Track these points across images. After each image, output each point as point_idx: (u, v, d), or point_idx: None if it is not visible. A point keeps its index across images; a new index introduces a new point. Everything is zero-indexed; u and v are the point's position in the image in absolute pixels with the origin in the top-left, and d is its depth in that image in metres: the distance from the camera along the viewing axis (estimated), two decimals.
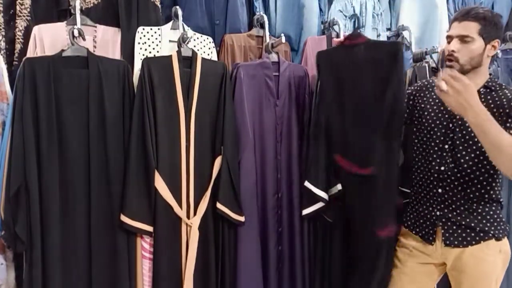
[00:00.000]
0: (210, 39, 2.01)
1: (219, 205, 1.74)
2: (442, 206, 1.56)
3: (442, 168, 1.55)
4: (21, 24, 1.77)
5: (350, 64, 1.78)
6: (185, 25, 1.92)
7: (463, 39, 1.48)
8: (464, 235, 1.53)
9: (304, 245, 1.94)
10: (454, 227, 1.54)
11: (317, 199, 1.83)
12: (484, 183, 1.52)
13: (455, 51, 1.48)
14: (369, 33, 2.42)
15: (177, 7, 1.90)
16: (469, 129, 1.49)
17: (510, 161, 1.33)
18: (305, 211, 1.88)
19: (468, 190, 1.53)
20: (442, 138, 1.57)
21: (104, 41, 1.84)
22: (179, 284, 1.70)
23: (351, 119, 1.78)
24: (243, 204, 1.81)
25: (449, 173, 1.54)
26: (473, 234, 1.52)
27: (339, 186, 1.83)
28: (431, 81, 1.71)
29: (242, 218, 1.80)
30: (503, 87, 1.53)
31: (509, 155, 1.32)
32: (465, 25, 1.48)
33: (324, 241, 1.93)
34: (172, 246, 1.71)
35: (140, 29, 1.85)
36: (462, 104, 1.32)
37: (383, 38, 2.47)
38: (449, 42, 1.53)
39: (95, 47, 1.81)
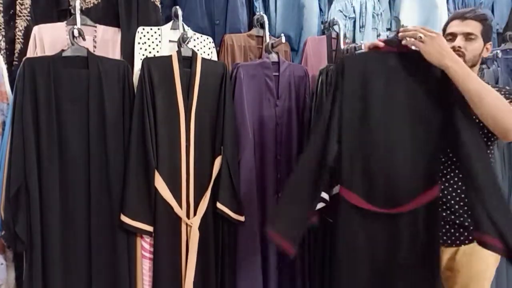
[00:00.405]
0: (210, 39, 2.01)
1: (219, 205, 1.74)
2: None
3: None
4: (21, 24, 1.77)
5: (385, 73, 1.45)
6: (185, 25, 1.92)
7: (468, 36, 1.50)
8: (457, 234, 1.53)
9: (304, 245, 1.94)
10: (448, 226, 1.54)
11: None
12: None
13: (461, 47, 1.49)
14: (369, 33, 2.42)
15: (177, 7, 1.90)
16: None
17: (491, 110, 1.33)
18: None
19: (463, 188, 1.53)
20: None
21: (104, 41, 1.84)
22: (179, 284, 1.70)
23: (384, 137, 1.45)
24: (243, 204, 1.81)
25: (444, 172, 1.54)
26: (466, 233, 1.52)
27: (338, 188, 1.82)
28: None
29: (242, 218, 1.80)
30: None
31: (489, 104, 1.32)
32: (468, 24, 1.50)
33: (324, 241, 1.93)
34: (172, 246, 1.71)
35: (140, 29, 1.85)
36: (440, 51, 1.33)
37: (383, 38, 2.47)
38: (450, 40, 1.53)
39: (95, 47, 1.81)
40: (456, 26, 1.53)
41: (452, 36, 1.53)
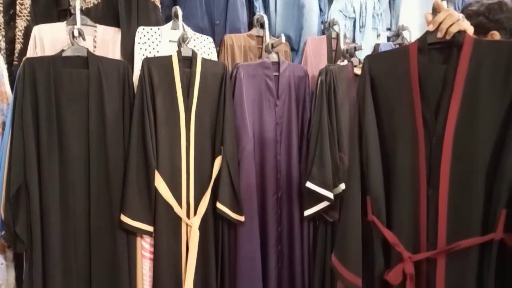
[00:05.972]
0: (210, 39, 2.01)
1: (219, 205, 1.75)
2: None
3: None
4: (21, 24, 1.77)
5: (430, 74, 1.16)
6: (185, 25, 1.92)
7: None
8: None
9: (304, 245, 1.94)
10: None
11: (322, 199, 1.83)
12: None
13: None
14: (369, 33, 2.42)
15: (177, 7, 1.90)
16: None
17: None
18: (308, 212, 1.88)
19: None
20: None
21: (104, 41, 1.84)
22: (179, 284, 1.70)
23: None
24: (243, 204, 1.81)
25: None
26: None
27: (342, 186, 1.83)
28: None
29: (242, 218, 1.80)
30: None
31: None
32: None
33: (324, 241, 1.93)
34: (172, 246, 1.71)
35: (140, 29, 1.85)
36: None
37: (383, 38, 2.47)
38: None
39: (95, 47, 1.81)
40: None
41: None
